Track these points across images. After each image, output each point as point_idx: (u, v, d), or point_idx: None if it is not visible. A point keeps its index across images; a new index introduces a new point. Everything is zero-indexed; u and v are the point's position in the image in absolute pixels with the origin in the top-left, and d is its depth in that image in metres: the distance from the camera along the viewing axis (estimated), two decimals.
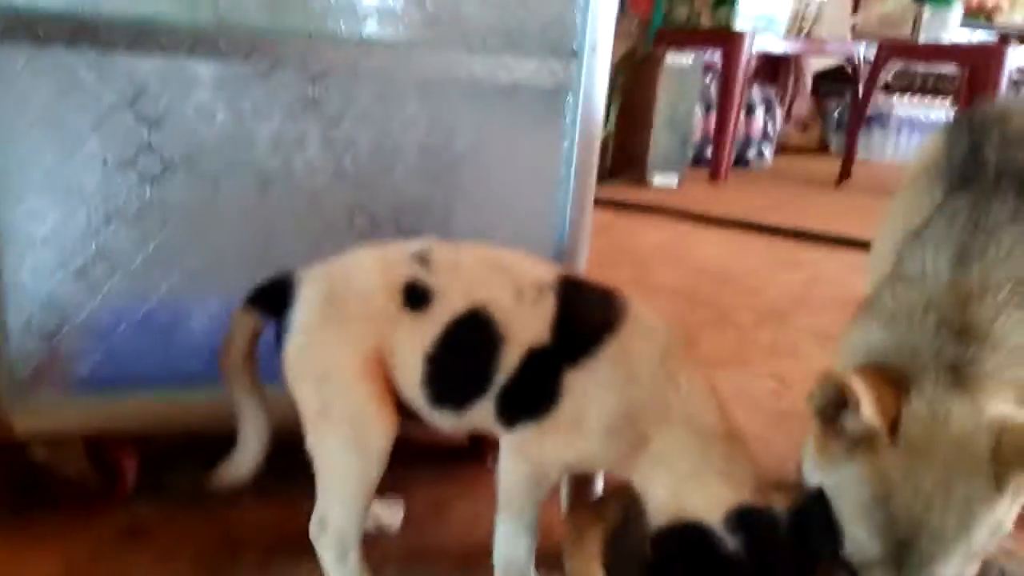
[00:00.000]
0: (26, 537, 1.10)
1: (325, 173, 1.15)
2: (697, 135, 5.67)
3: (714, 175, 5.37)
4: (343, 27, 1.11)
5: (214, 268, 1.14)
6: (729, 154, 5.40)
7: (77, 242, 1.07)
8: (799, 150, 7.43)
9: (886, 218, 1.07)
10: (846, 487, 0.84)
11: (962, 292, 0.87)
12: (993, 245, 0.90)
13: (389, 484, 0.99)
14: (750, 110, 6.08)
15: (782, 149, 7.04)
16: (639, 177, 5.00)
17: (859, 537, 0.83)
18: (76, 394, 1.12)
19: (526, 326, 0.93)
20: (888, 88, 6.95)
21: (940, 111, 7.06)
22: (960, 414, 0.81)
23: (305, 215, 1.16)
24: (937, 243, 0.93)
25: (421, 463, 1.32)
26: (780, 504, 0.86)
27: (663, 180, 4.98)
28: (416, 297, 0.94)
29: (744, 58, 5.04)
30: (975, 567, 0.83)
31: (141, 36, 1.03)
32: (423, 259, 0.97)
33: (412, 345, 0.94)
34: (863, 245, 3.25)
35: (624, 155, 5.08)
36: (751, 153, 6.22)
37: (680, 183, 5.05)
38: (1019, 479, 0.79)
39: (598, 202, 4.30)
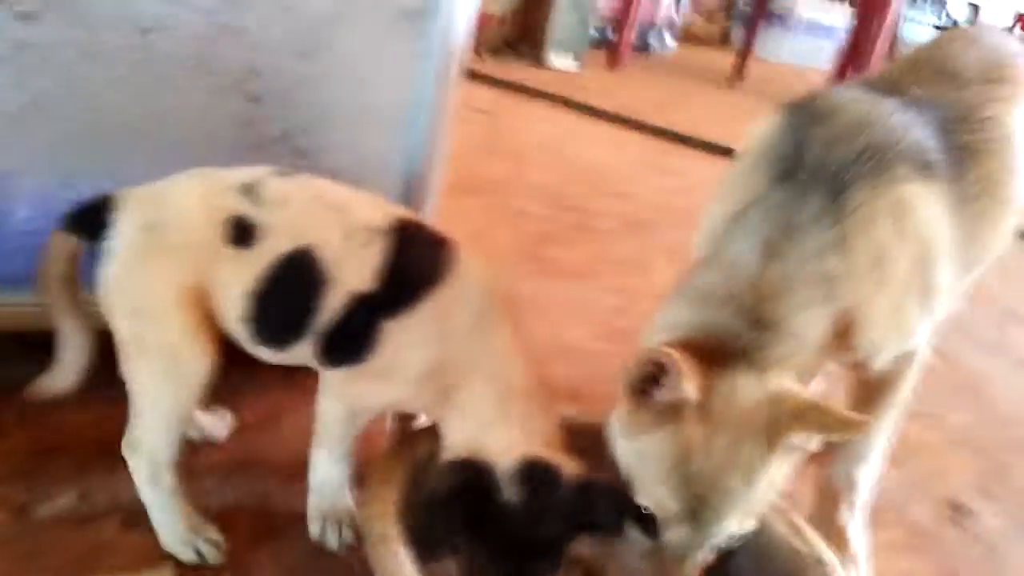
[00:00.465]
0: None
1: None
2: (602, 15, 5.57)
3: (612, 61, 5.33)
4: None
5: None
6: (629, 40, 5.35)
7: None
8: (702, 40, 7.45)
9: (716, 194, 1.11)
10: (651, 452, 0.91)
11: (762, 288, 0.93)
12: (797, 245, 0.95)
13: (221, 393, 1.01)
14: None
15: (686, 37, 7.04)
16: (536, 56, 4.90)
17: (660, 496, 0.90)
18: None
19: (351, 270, 0.93)
20: None
21: (840, 16, 7.16)
22: (748, 390, 0.88)
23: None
24: (749, 235, 0.97)
25: (257, 373, 1.33)
26: (572, 464, 0.93)
27: (561, 62, 4.91)
28: (241, 233, 0.93)
29: None
30: (753, 522, 0.94)
31: None
32: (252, 192, 0.94)
33: (233, 281, 0.93)
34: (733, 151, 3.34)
35: (523, 31, 4.96)
36: (654, 38, 6.18)
37: (579, 66, 4.99)
38: (787, 441, 0.89)
39: (490, 79, 4.25)
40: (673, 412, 0.88)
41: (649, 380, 0.88)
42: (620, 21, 5.22)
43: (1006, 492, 1.55)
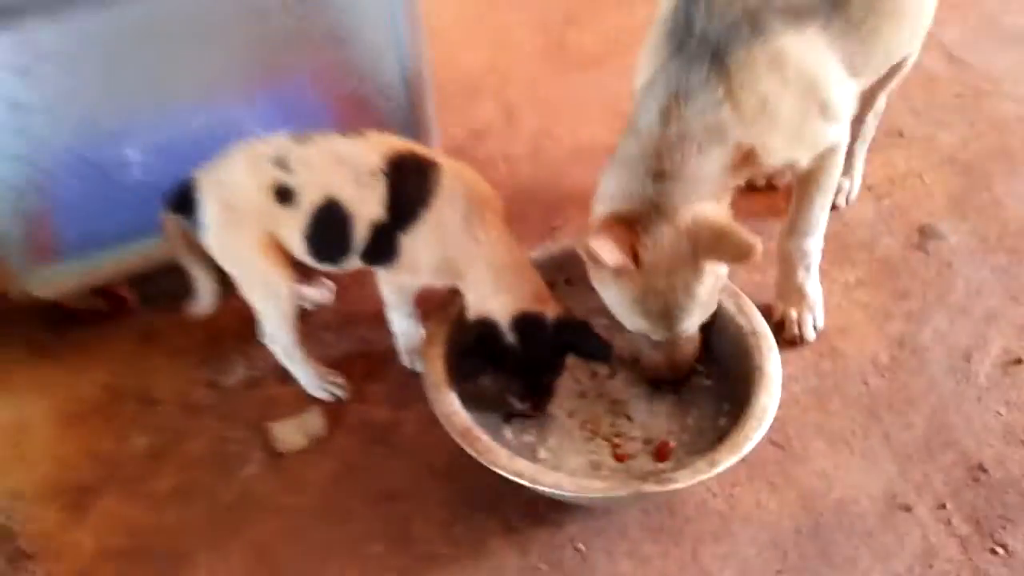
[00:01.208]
0: (72, 355, 1.59)
1: None
2: None
3: None
4: None
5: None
6: None
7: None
8: None
9: (638, 66, 1.32)
10: (616, 298, 1.27)
11: (662, 144, 1.19)
12: (689, 105, 1.19)
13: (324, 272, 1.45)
14: None
15: None
16: None
17: (634, 322, 1.29)
18: (69, 261, 1.52)
19: (366, 205, 1.29)
20: None
21: None
22: (665, 234, 1.20)
23: None
24: (652, 104, 1.21)
25: None
26: (554, 308, 1.31)
27: None
28: (285, 195, 1.29)
29: None
30: (709, 312, 1.31)
31: None
32: (283, 162, 1.29)
33: (290, 228, 1.31)
34: None
35: None
36: None
37: None
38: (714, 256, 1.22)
39: None
40: (621, 270, 1.22)
41: (594, 257, 1.22)
42: None
43: (978, 208, 1.80)
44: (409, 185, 1.30)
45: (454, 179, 1.32)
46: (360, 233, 1.31)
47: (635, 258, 1.21)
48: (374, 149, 1.32)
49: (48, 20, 1.27)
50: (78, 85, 1.35)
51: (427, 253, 1.31)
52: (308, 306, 1.64)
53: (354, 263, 1.37)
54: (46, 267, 1.51)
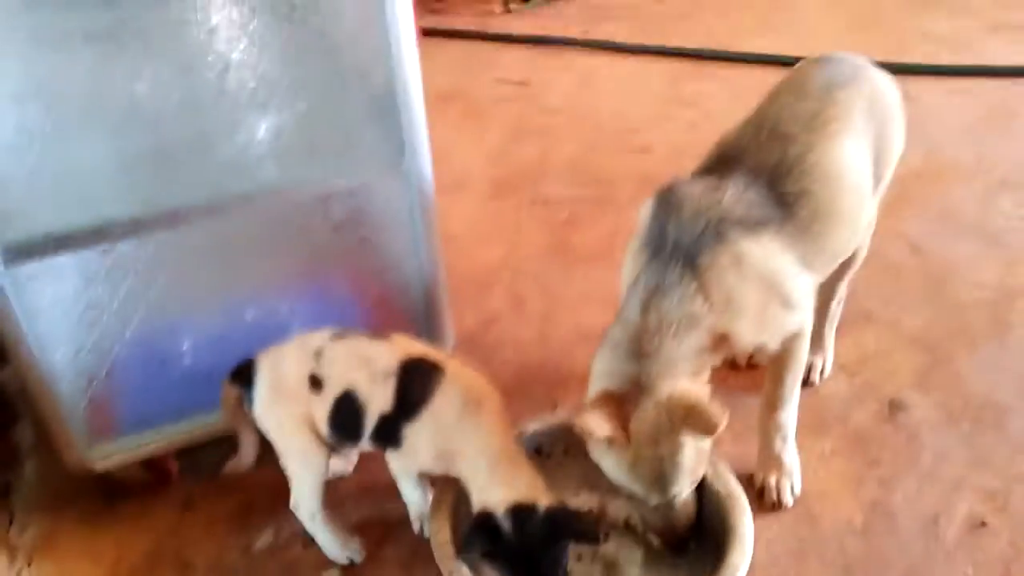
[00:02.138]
0: (118, 524, 1.77)
1: None
2: None
3: None
4: None
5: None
6: None
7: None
8: None
9: (624, 268, 1.57)
10: (613, 465, 1.42)
11: (643, 330, 1.41)
12: (666, 299, 1.41)
13: None
14: None
15: None
16: None
17: (630, 487, 1.43)
18: (126, 436, 1.73)
19: (378, 400, 1.50)
20: None
21: None
22: (648, 409, 1.39)
23: None
24: (635, 297, 1.44)
25: None
26: (546, 497, 1.43)
27: None
28: (316, 383, 1.52)
29: None
30: (697, 478, 1.45)
31: None
32: (320, 356, 1.53)
33: (319, 412, 1.53)
34: (757, 61, 3.61)
35: None
36: None
37: None
38: (687, 429, 1.38)
39: (512, 36, 4.59)
40: (611, 441, 1.40)
41: (586, 430, 1.40)
42: None
43: (942, 384, 1.97)
44: (414, 385, 1.50)
45: (454, 381, 1.51)
46: (370, 421, 1.52)
47: (625, 430, 1.38)
48: (393, 352, 1.54)
49: (129, 239, 1.56)
50: (147, 289, 1.62)
51: (426, 443, 1.50)
52: (330, 476, 1.82)
53: (365, 446, 1.56)
54: (104, 442, 1.72)
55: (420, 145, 1.70)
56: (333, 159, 1.67)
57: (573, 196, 2.97)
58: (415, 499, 1.66)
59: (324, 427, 1.54)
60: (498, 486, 1.44)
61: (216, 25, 1.52)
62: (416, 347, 1.59)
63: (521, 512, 1.41)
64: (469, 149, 3.40)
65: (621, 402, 1.40)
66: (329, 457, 1.60)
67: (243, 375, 1.57)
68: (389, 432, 1.51)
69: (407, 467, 1.59)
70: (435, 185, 1.84)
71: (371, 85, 1.66)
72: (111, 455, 1.73)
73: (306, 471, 1.58)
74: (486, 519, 1.42)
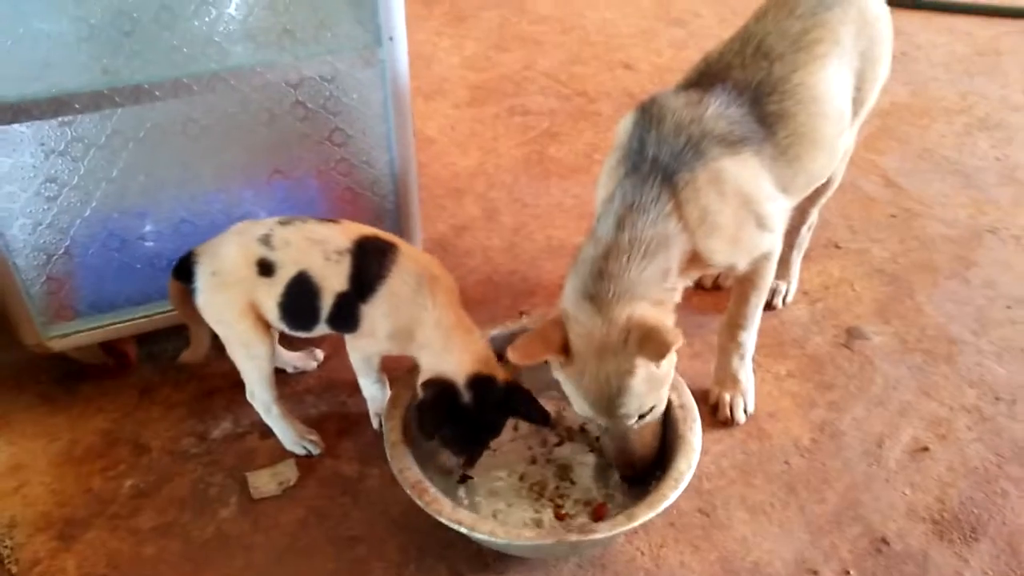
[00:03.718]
0: (75, 405, 1.77)
1: None
2: None
3: None
4: None
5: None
6: None
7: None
8: None
9: (600, 182, 1.55)
10: (564, 382, 1.43)
11: (611, 250, 1.39)
12: (640, 218, 1.39)
13: (311, 341, 1.65)
14: None
15: None
16: None
17: (579, 405, 1.44)
18: (85, 319, 1.71)
19: (333, 280, 1.49)
20: None
21: None
22: (598, 327, 1.38)
23: None
24: (609, 215, 1.41)
25: None
26: (501, 371, 1.47)
27: None
28: (265, 268, 1.49)
29: None
30: (649, 405, 1.43)
31: None
32: (267, 241, 1.50)
33: (268, 298, 1.51)
34: None
35: None
36: None
37: None
38: (641, 357, 1.39)
39: None
40: (560, 359, 1.40)
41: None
42: None
43: (901, 315, 2.00)
44: (370, 262, 1.50)
45: (408, 258, 1.51)
46: (326, 303, 1.51)
47: (565, 351, 1.38)
48: (344, 233, 1.53)
49: (90, 113, 1.51)
50: (109, 166, 1.58)
51: (382, 319, 1.50)
52: (290, 370, 1.82)
53: (322, 329, 1.56)
54: (62, 322, 1.70)
55: (397, 34, 1.64)
56: (306, 42, 1.60)
57: (553, 108, 2.92)
58: (375, 394, 1.67)
59: (274, 313, 1.53)
60: (456, 356, 1.46)
61: None
62: (366, 229, 1.57)
63: (481, 382, 1.44)
64: (451, 54, 3.31)
65: (560, 323, 1.40)
66: (274, 346, 1.60)
67: (185, 269, 1.54)
68: (346, 313, 1.51)
69: (366, 352, 1.59)
70: (414, 89, 1.79)
71: None
72: (69, 336, 1.71)
73: (251, 361, 1.57)
74: (445, 387, 1.44)
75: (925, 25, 3.44)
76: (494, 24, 3.57)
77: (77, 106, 1.49)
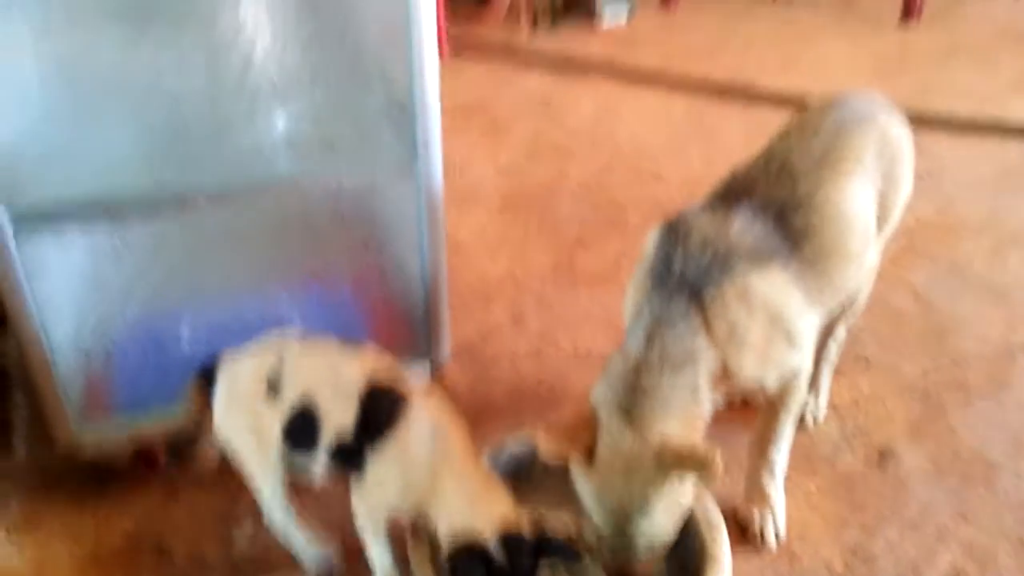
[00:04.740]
0: (102, 506, 1.78)
1: None
2: None
3: (665, 1, 5.51)
4: None
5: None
6: None
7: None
8: None
9: (628, 293, 1.56)
10: (581, 484, 1.42)
11: (642, 365, 1.39)
12: (668, 333, 1.40)
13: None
14: None
15: None
16: (590, 13, 5.19)
17: (596, 519, 1.41)
18: (118, 418, 1.74)
19: (338, 413, 1.45)
20: None
21: None
22: (628, 440, 1.37)
23: None
24: (638, 328, 1.42)
25: None
26: (527, 523, 1.41)
27: (613, 14, 5.17)
28: (273, 387, 1.48)
29: None
30: (676, 517, 1.41)
31: None
32: (281, 359, 1.49)
33: (275, 418, 1.48)
34: (779, 99, 3.64)
35: None
36: None
37: (631, 13, 5.23)
38: (673, 478, 1.37)
39: (539, 57, 4.71)
40: (581, 463, 1.39)
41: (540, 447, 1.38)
42: None
43: (934, 435, 1.96)
44: (379, 412, 1.45)
45: (420, 411, 1.46)
46: (328, 435, 1.46)
47: (588, 455, 1.37)
48: (361, 368, 1.49)
49: (139, 218, 1.58)
50: (152, 270, 1.64)
51: (394, 475, 1.44)
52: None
53: (324, 463, 1.49)
54: (96, 422, 1.73)
55: (433, 149, 1.72)
56: (346, 155, 1.69)
57: (583, 217, 2.98)
58: (385, 562, 1.57)
59: (277, 435, 1.49)
60: (483, 514, 1.40)
61: (244, 15, 1.54)
62: (384, 365, 1.53)
63: (512, 539, 1.38)
64: (485, 163, 3.42)
65: (589, 426, 1.39)
66: (286, 469, 1.54)
67: (207, 376, 1.54)
68: (350, 452, 1.46)
69: (373, 506, 1.51)
70: (447, 195, 1.86)
71: (390, 86, 1.68)
72: (102, 436, 1.74)
73: (263, 483, 1.55)
74: (476, 550, 1.38)
75: (951, 145, 3.50)
76: (528, 135, 3.69)
77: (126, 211, 1.56)
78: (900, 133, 1.74)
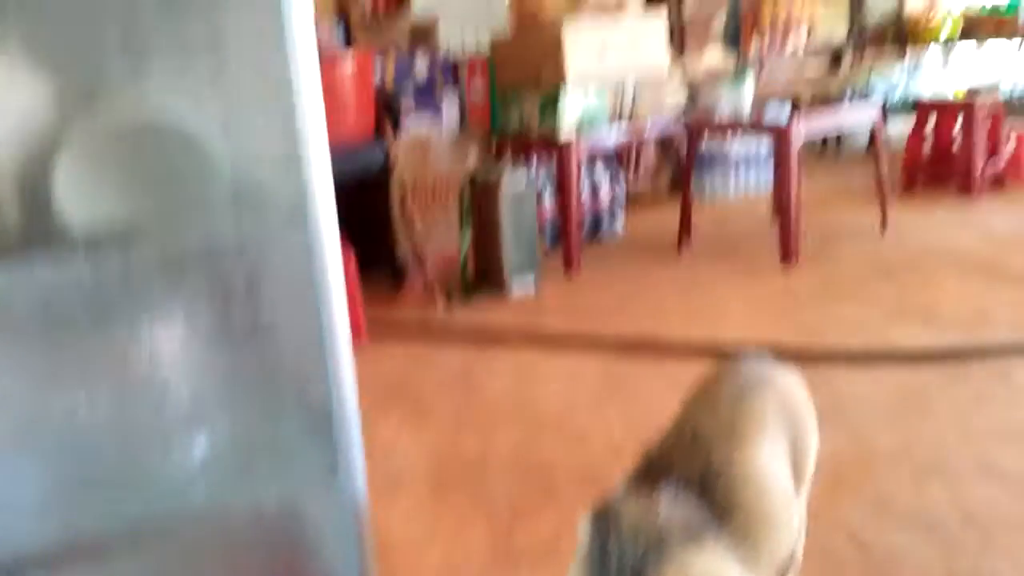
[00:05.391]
0: None
1: None
2: (550, 215, 6.23)
3: (568, 265, 5.92)
4: None
5: None
6: (579, 244, 5.93)
7: None
8: (654, 200, 7.94)
9: None
10: None
11: None
12: None
13: None
14: (595, 190, 6.65)
15: (636, 202, 7.64)
16: (499, 286, 5.50)
17: None
18: None
19: None
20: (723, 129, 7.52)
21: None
22: None
23: None
24: None
25: None
26: None
27: (521, 285, 5.49)
28: None
29: (574, 165, 5.63)
30: None
31: None
32: None
33: None
34: (687, 350, 3.80)
35: (483, 269, 5.59)
36: (604, 225, 6.77)
37: (538, 282, 5.57)
38: None
39: (455, 333, 4.85)
40: None
41: None
42: (565, 234, 5.84)
43: None
44: None
45: None
46: None
47: None
48: None
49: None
50: None
51: None
52: None
53: None
54: None
55: (354, 461, 1.72)
56: (264, 477, 1.66)
57: (515, 489, 2.95)
58: None
59: None
60: None
61: (156, 349, 1.58)
62: None
63: None
64: (410, 444, 3.41)
65: None
66: None
67: None
68: None
69: None
70: (373, 485, 1.82)
71: (307, 403, 1.70)
72: None
73: None
74: None
75: (849, 378, 3.70)
76: (451, 410, 3.74)
77: (26, 568, 1.47)
78: (797, 391, 1.85)
